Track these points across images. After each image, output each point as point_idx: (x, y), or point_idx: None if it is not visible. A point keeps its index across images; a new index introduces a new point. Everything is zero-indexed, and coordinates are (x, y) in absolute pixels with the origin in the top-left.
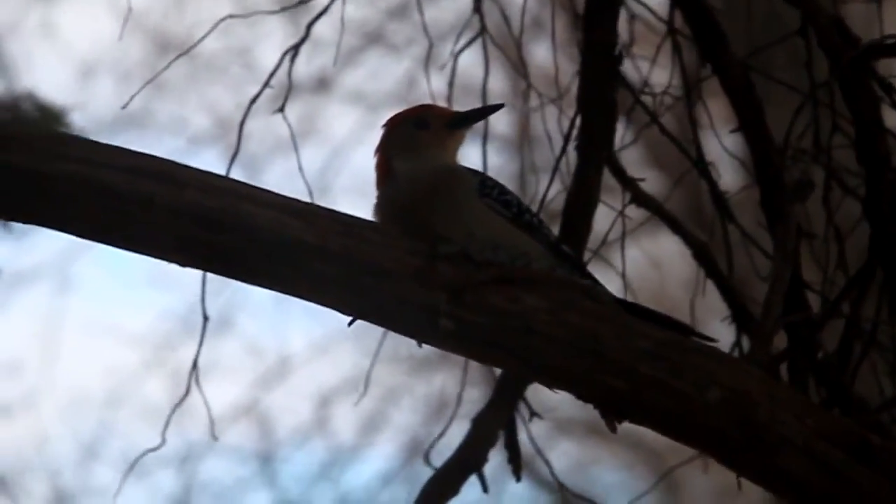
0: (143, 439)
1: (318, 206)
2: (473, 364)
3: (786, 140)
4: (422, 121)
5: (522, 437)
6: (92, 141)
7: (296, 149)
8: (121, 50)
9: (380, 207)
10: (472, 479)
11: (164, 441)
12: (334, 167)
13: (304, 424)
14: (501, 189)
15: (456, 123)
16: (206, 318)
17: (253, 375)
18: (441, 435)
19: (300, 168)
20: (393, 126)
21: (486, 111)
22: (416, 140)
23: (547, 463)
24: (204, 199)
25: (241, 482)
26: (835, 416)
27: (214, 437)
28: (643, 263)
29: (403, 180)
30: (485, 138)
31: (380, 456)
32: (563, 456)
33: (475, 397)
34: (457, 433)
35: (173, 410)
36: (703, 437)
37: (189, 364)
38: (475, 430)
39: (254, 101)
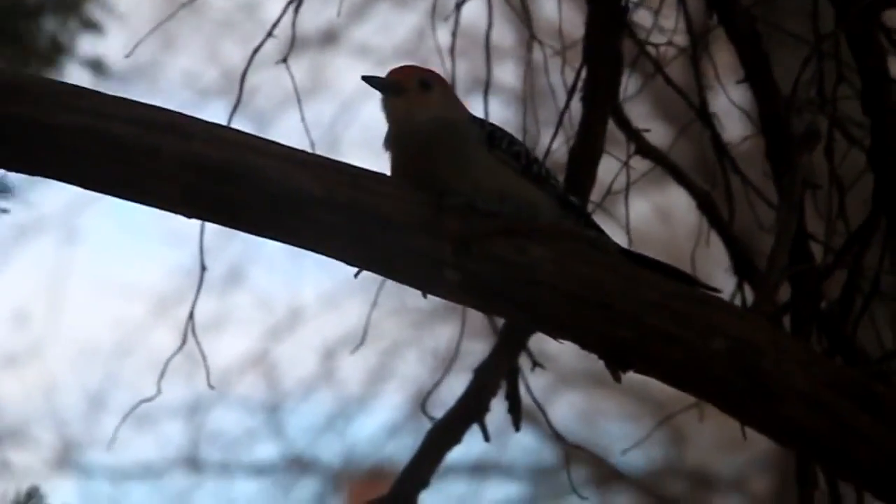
0: (149, 391)
1: (325, 158)
2: (477, 316)
3: (793, 91)
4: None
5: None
6: (98, 92)
7: (299, 101)
8: (131, 5)
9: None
10: (476, 430)
11: (159, 391)
12: (343, 121)
13: (312, 376)
14: (511, 140)
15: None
16: (203, 269)
17: (263, 328)
18: (437, 384)
19: (302, 119)
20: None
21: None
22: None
23: (543, 413)
24: (210, 150)
25: (248, 433)
26: (840, 365)
27: (210, 386)
28: (650, 216)
29: (404, 131)
30: (486, 90)
31: (386, 407)
32: (568, 407)
33: (479, 349)
34: (462, 384)
35: (168, 360)
36: (709, 386)
37: (199, 317)
38: (477, 379)
39: (256, 51)
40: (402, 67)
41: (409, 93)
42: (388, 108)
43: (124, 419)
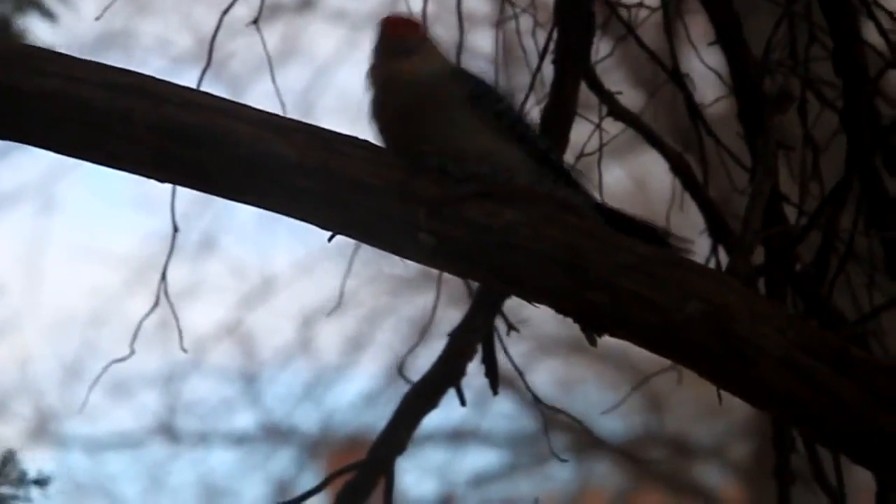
0: (128, 360)
1: (298, 122)
2: (455, 283)
3: (765, 53)
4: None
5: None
6: (71, 57)
7: (270, 66)
8: None
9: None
10: (455, 397)
11: (132, 352)
12: (318, 87)
13: (288, 345)
14: (495, 97)
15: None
16: (175, 230)
17: (237, 296)
18: (413, 349)
19: (274, 83)
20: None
21: None
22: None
23: (522, 377)
24: (183, 114)
25: (225, 402)
26: (816, 328)
27: (183, 350)
28: (624, 179)
29: (384, 87)
30: (459, 54)
31: (363, 376)
32: (547, 374)
33: (457, 316)
34: (438, 350)
35: (142, 321)
36: (684, 350)
37: (173, 284)
38: (452, 344)
39: (225, 13)
40: (401, 21)
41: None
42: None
43: (95, 381)
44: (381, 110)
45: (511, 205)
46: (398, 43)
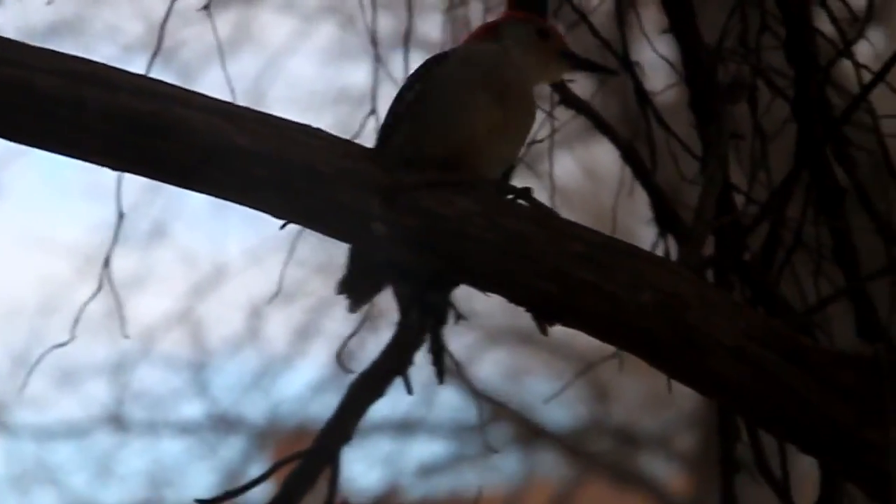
0: (75, 349)
1: (251, 110)
2: None
3: (719, 41)
4: (545, 31)
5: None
6: (22, 44)
7: (221, 54)
8: None
9: (473, 59)
10: (402, 388)
11: (73, 336)
12: (269, 75)
13: (237, 334)
14: None
15: (568, 57)
16: (121, 215)
17: (187, 284)
18: (350, 337)
19: (224, 70)
20: (517, 19)
21: (596, 68)
22: (531, 42)
23: (461, 370)
24: (136, 102)
25: (173, 391)
26: (766, 318)
27: (126, 336)
28: (574, 169)
29: (513, 62)
30: (407, 43)
31: (312, 365)
32: (494, 364)
33: None
34: (386, 340)
35: (84, 305)
36: (635, 339)
37: (122, 273)
38: (399, 333)
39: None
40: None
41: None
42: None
43: (33, 367)
44: (501, 117)
45: (464, 194)
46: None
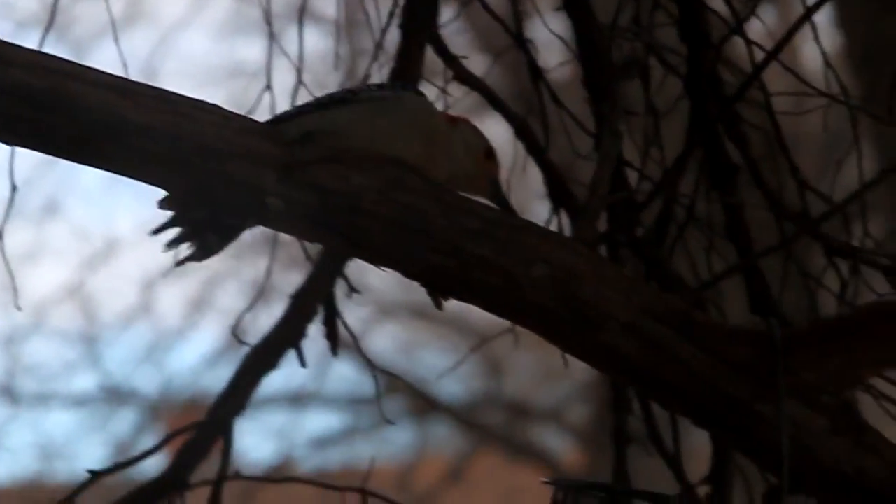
0: None
1: (145, 85)
2: (295, 245)
3: (613, 19)
4: (491, 153)
5: (348, 320)
6: None
7: (114, 30)
8: None
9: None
10: (296, 361)
11: None
12: (162, 51)
13: (129, 307)
14: None
15: (494, 186)
16: (14, 189)
17: (79, 258)
18: (247, 310)
19: (117, 45)
20: (474, 128)
21: (507, 207)
22: (476, 151)
23: (356, 341)
24: (30, 77)
25: (65, 364)
26: (660, 293)
27: (18, 308)
28: None
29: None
30: (301, 19)
31: (205, 339)
32: (388, 338)
33: (298, 280)
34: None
35: None
36: (529, 313)
37: (14, 247)
38: (293, 305)
39: None
40: None
41: None
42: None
43: None
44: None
45: (359, 169)
46: None
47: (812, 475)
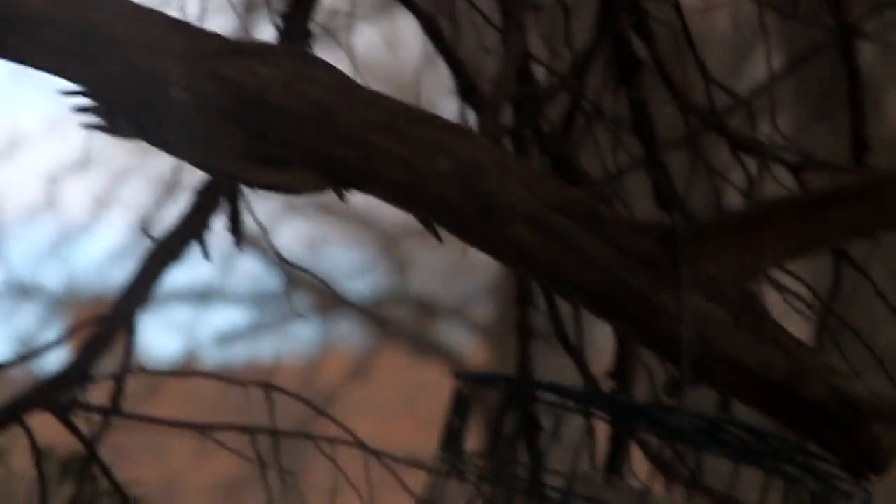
0: None
1: None
2: None
3: None
4: None
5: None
6: None
7: None
8: None
9: None
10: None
11: None
12: None
13: (34, 202)
14: None
15: None
16: None
17: None
18: (158, 207)
19: None
20: None
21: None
22: None
23: (266, 234)
24: None
25: None
26: (564, 185)
27: None
28: (376, 42)
29: None
30: None
31: (110, 234)
32: (294, 233)
33: (205, 176)
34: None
35: None
36: (433, 206)
37: None
38: (197, 198)
39: None
40: None
41: None
42: None
43: None
44: None
45: (264, 61)
46: None
47: (713, 367)
